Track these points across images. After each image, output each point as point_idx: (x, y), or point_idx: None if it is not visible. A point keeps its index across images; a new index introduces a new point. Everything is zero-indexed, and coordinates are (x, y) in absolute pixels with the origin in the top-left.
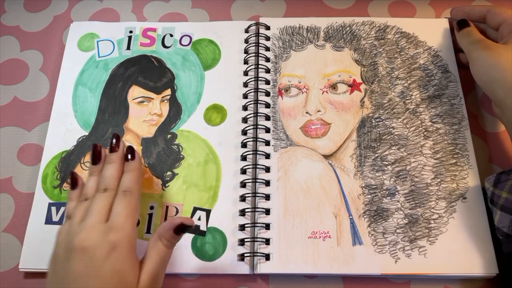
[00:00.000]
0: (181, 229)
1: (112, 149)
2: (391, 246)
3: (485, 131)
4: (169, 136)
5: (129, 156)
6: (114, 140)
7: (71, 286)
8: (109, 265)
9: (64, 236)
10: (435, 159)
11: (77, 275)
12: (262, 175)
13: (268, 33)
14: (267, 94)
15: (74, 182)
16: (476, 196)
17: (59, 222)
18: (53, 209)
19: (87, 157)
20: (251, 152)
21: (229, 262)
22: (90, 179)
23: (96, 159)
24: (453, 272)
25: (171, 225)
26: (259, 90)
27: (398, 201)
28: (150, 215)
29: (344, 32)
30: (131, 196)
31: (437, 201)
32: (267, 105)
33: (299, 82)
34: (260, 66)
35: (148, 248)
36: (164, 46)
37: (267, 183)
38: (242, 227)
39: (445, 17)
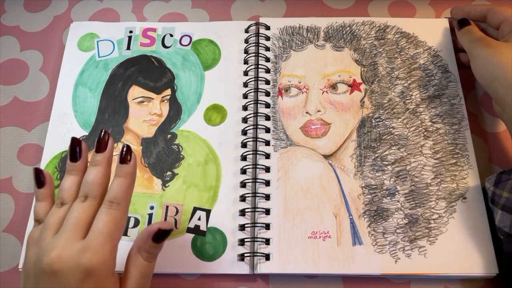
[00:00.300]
0: (159, 235)
1: (98, 149)
2: (391, 246)
3: (485, 131)
4: (169, 136)
5: (124, 158)
6: (101, 137)
7: None
8: None
9: (34, 248)
10: (435, 159)
11: None
12: (262, 175)
13: (268, 33)
14: (267, 94)
15: (40, 180)
16: (476, 196)
17: None
18: None
19: (89, 157)
20: (251, 152)
21: (229, 262)
22: (67, 179)
23: (74, 154)
24: (453, 272)
25: (148, 233)
26: (259, 90)
27: (398, 201)
28: (150, 215)
29: (344, 32)
30: (117, 209)
31: (437, 201)
32: (267, 105)
33: (299, 82)
34: (260, 66)
35: (127, 263)
36: (164, 46)
37: (267, 183)
38: (242, 227)
39: (445, 17)
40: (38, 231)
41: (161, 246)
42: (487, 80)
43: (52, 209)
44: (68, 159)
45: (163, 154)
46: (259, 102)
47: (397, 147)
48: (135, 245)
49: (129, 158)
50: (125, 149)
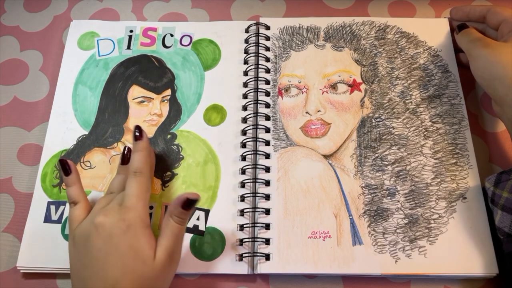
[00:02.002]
0: (187, 203)
1: (137, 138)
2: (391, 246)
3: (485, 131)
4: (169, 136)
5: (137, 136)
6: (138, 131)
7: (93, 261)
8: (125, 241)
9: (79, 221)
10: (435, 159)
11: (97, 251)
12: (262, 175)
13: (268, 33)
14: (267, 94)
15: (66, 169)
16: (476, 196)
17: (58, 221)
18: (52, 207)
19: (87, 156)
20: (251, 152)
21: (228, 262)
22: (117, 177)
23: (124, 159)
24: (453, 272)
25: (178, 201)
26: (259, 90)
27: (398, 201)
28: (150, 215)
29: (344, 32)
30: (140, 176)
31: (437, 201)
32: (267, 105)
33: (299, 82)
34: (260, 66)
35: (162, 226)
36: (164, 46)
37: (267, 183)
38: (241, 227)
39: (445, 17)
40: (78, 210)
41: (189, 212)
42: (486, 80)
43: (102, 196)
44: (120, 163)
45: (163, 154)
46: (259, 102)
47: (397, 147)
48: (168, 210)
49: (141, 135)
50: (137, 129)
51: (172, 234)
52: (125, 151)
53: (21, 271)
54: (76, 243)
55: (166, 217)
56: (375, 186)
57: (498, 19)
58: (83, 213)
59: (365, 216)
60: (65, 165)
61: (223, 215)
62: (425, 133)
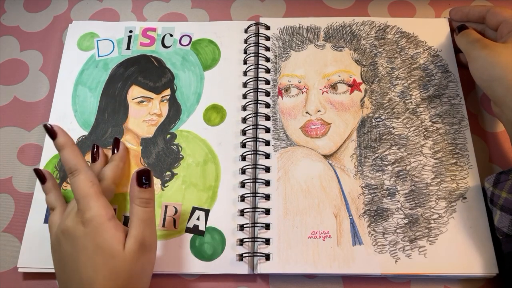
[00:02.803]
0: (140, 179)
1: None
2: (391, 246)
3: (485, 131)
4: (168, 136)
5: (49, 129)
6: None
7: (67, 265)
8: (90, 241)
9: (56, 227)
10: (435, 159)
11: (68, 255)
12: (262, 175)
13: (268, 33)
14: (267, 94)
15: (42, 178)
16: (476, 196)
17: None
18: None
19: (87, 157)
20: (250, 152)
21: (228, 262)
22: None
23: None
24: (453, 272)
25: (132, 182)
26: (259, 90)
27: (398, 201)
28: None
29: (344, 32)
30: (79, 173)
31: (437, 201)
32: (267, 105)
33: (299, 82)
34: (260, 66)
35: (129, 216)
36: (164, 46)
37: (267, 183)
38: (241, 227)
39: (445, 17)
40: (55, 215)
41: (150, 191)
42: (485, 81)
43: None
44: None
45: (163, 154)
46: (259, 102)
47: (397, 147)
48: (129, 197)
49: (54, 132)
50: (46, 128)
51: (138, 220)
52: (94, 149)
53: (21, 271)
54: (53, 248)
55: (130, 205)
56: (375, 186)
57: (498, 20)
58: (60, 218)
59: (365, 216)
60: (40, 174)
61: (223, 215)
62: (425, 133)
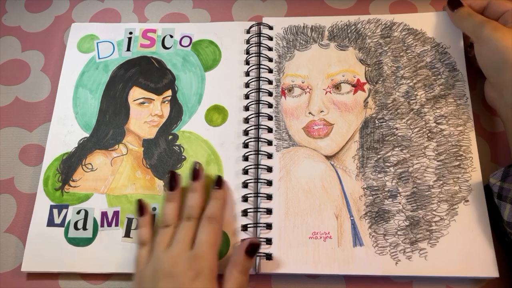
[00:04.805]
0: (252, 249)
1: (195, 177)
2: (392, 248)
3: (487, 130)
4: (170, 137)
5: (217, 185)
6: (196, 168)
7: None
8: None
9: (146, 262)
10: (438, 161)
11: None
12: (264, 175)
13: (271, 33)
14: (270, 94)
15: (143, 210)
16: (478, 199)
17: (61, 224)
18: (55, 211)
19: (89, 159)
20: (253, 153)
21: None
22: (169, 206)
23: (174, 185)
24: (453, 275)
25: (242, 248)
26: (261, 90)
27: (400, 203)
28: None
29: (349, 31)
30: (215, 223)
31: (439, 203)
32: (269, 105)
33: (303, 82)
34: (262, 66)
35: (224, 278)
36: (164, 47)
37: (269, 183)
38: (244, 228)
39: None
40: (144, 251)
41: (252, 261)
42: (493, 63)
43: (159, 230)
44: (168, 189)
45: (165, 155)
46: (261, 102)
47: (400, 148)
48: (230, 261)
49: (221, 184)
50: (218, 178)
51: (236, 285)
52: (197, 166)
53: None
54: (141, 286)
55: (229, 269)
56: (377, 188)
57: (501, 10)
58: (149, 255)
59: (366, 218)
60: (141, 206)
61: (226, 215)
62: (429, 135)
